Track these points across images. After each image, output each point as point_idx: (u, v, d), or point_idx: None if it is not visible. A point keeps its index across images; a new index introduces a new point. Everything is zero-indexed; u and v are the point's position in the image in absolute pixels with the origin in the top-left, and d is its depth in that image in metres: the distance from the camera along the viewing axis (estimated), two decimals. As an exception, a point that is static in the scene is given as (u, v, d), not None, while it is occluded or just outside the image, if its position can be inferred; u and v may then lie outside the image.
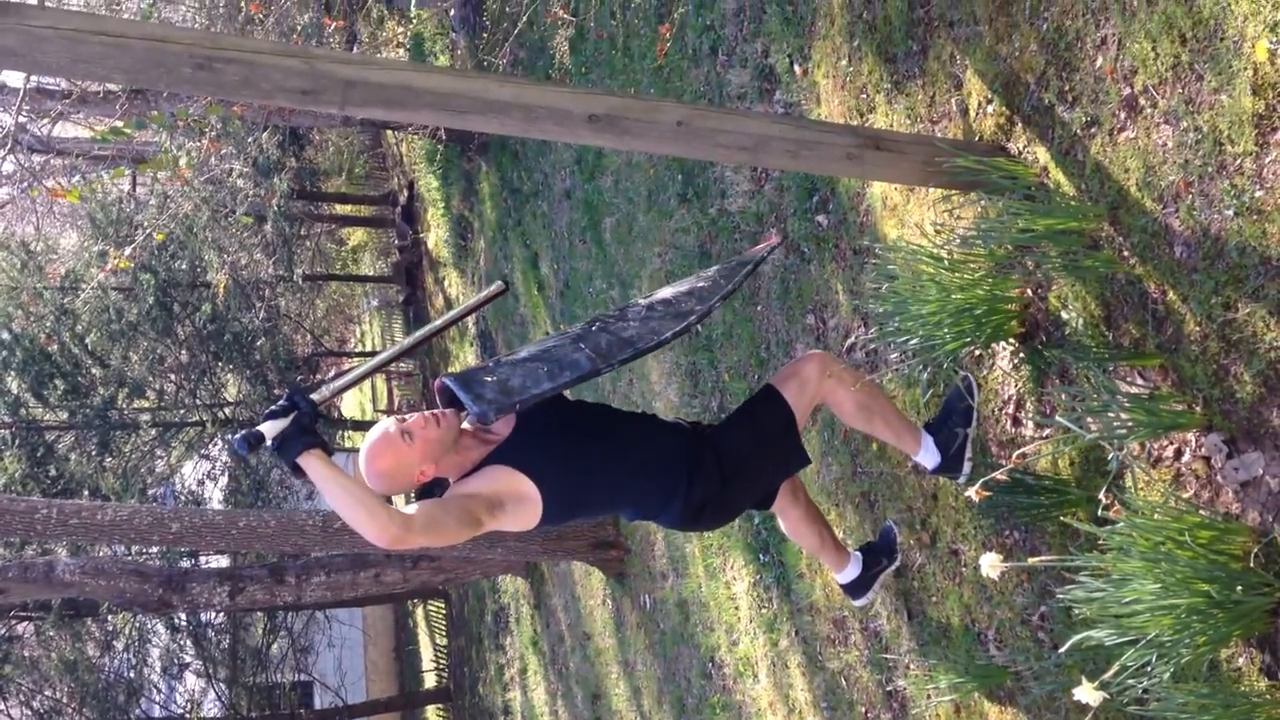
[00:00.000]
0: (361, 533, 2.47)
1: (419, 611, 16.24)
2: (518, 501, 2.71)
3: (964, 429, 3.22)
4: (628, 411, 3.12)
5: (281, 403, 2.50)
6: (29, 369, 11.04)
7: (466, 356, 11.47)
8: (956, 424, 3.23)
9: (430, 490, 2.81)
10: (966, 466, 3.21)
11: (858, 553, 3.59)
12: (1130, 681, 2.23)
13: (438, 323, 2.98)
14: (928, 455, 3.23)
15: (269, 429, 2.46)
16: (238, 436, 2.47)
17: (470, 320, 11.08)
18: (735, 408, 3.23)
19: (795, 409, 3.02)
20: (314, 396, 2.55)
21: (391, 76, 2.58)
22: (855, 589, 3.60)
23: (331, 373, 17.32)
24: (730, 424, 3.09)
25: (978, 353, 3.24)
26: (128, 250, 7.22)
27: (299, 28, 7.52)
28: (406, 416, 2.74)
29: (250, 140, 9.81)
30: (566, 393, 3.01)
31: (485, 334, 10.46)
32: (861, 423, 3.18)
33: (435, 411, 2.78)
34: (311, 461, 2.46)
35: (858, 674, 4.04)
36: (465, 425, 2.84)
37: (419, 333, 2.96)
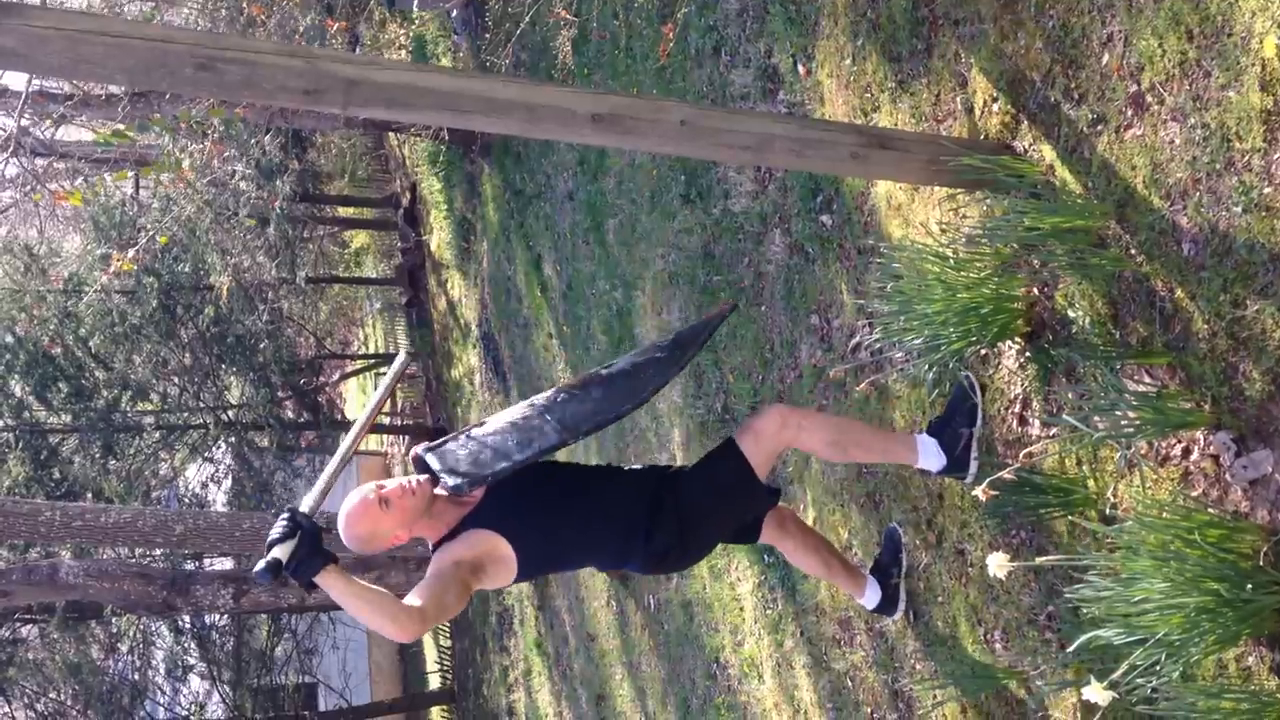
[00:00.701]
0: (386, 636, 2.67)
1: (423, 613, 16.20)
2: (495, 562, 2.90)
3: (968, 428, 3.22)
4: (593, 467, 3.34)
5: (283, 526, 2.61)
6: (33, 372, 11.04)
7: (469, 359, 11.46)
8: (961, 424, 3.23)
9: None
10: (973, 466, 3.22)
11: (871, 576, 3.65)
12: (1139, 681, 2.22)
13: (370, 407, 3.12)
14: (929, 459, 3.25)
15: (282, 553, 2.57)
16: (258, 570, 2.57)
17: (474, 322, 11.08)
18: (698, 459, 3.39)
19: (752, 460, 3.15)
20: (304, 509, 2.67)
21: (394, 76, 2.58)
22: (884, 609, 3.71)
23: (335, 375, 17.32)
24: (690, 474, 3.25)
25: (983, 352, 3.23)
26: (131, 253, 7.20)
27: (301, 29, 7.52)
28: (385, 484, 2.92)
29: (253, 142, 9.81)
30: None
31: (488, 336, 10.45)
32: (838, 457, 3.34)
33: (412, 479, 2.95)
34: (329, 579, 2.60)
35: (863, 675, 4.02)
36: (439, 491, 3.00)
37: (358, 422, 3.08)
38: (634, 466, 3.34)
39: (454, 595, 2.75)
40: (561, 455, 3.26)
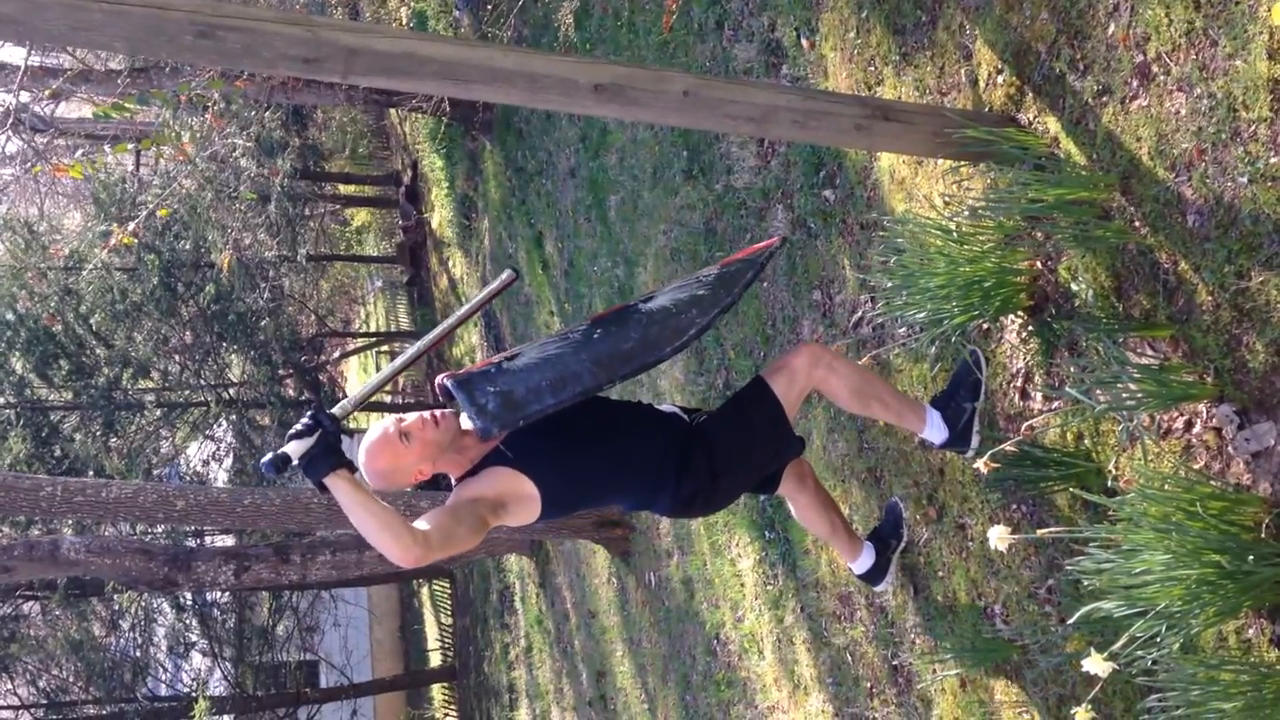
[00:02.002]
0: (385, 554, 2.52)
1: (424, 591, 16.29)
2: (518, 501, 2.78)
3: (971, 403, 3.21)
4: (623, 404, 3.16)
5: (305, 422, 2.52)
6: (34, 349, 11.03)
7: (469, 336, 11.45)
8: (964, 398, 3.22)
9: (435, 484, 2.83)
10: (975, 440, 3.20)
11: (869, 542, 3.63)
12: (1139, 653, 2.22)
13: (451, 320, 2.95)
14: (934, 431, 3.22)
15: (295, 449, 2.49)
16: (265, 460, 2.50)
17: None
18: (725, 400, 3.25)
19: (784, 401, 3.05)
20: (334, 412, 2.57)
21: (395, 45, 2.55)
22: (872, 576, 3.67)
23: (336, 353, 17.31)
24: (719, 417, 3.12)
25: (986, 326, 3.22)
26: (131, 225, 7.18)
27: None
28: (405, 417, 2.78)
29: (253, 115, 9.76)
30: None
31: (489, 314, 10.44)
32: (858, 407, 3.21)
33: (434, 412, 2.82)
34: (338, 482, 2.50)
35: (863, 649, 4.03)
36: (464, 425, 2.87)
37: (434, 332, 2.93)
38: (663, 407, 3.18)
39: (466, 529, 2.64)
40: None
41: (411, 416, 2.78)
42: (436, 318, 13.69)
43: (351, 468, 2.54)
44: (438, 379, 2.91)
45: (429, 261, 14.07)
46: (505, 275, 3.02)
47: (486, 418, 2.70)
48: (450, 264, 12.58)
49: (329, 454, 2.49)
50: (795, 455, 3.25)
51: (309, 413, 2.55)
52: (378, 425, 2.79)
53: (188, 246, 11.37)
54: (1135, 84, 2.61)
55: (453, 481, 2.88)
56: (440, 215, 12.87)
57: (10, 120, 6.53)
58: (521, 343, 9.19)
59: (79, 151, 11.01)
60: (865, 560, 3.64)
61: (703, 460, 3.00)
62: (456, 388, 2.79)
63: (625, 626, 6.80)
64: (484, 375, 2.84)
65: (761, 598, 4.88)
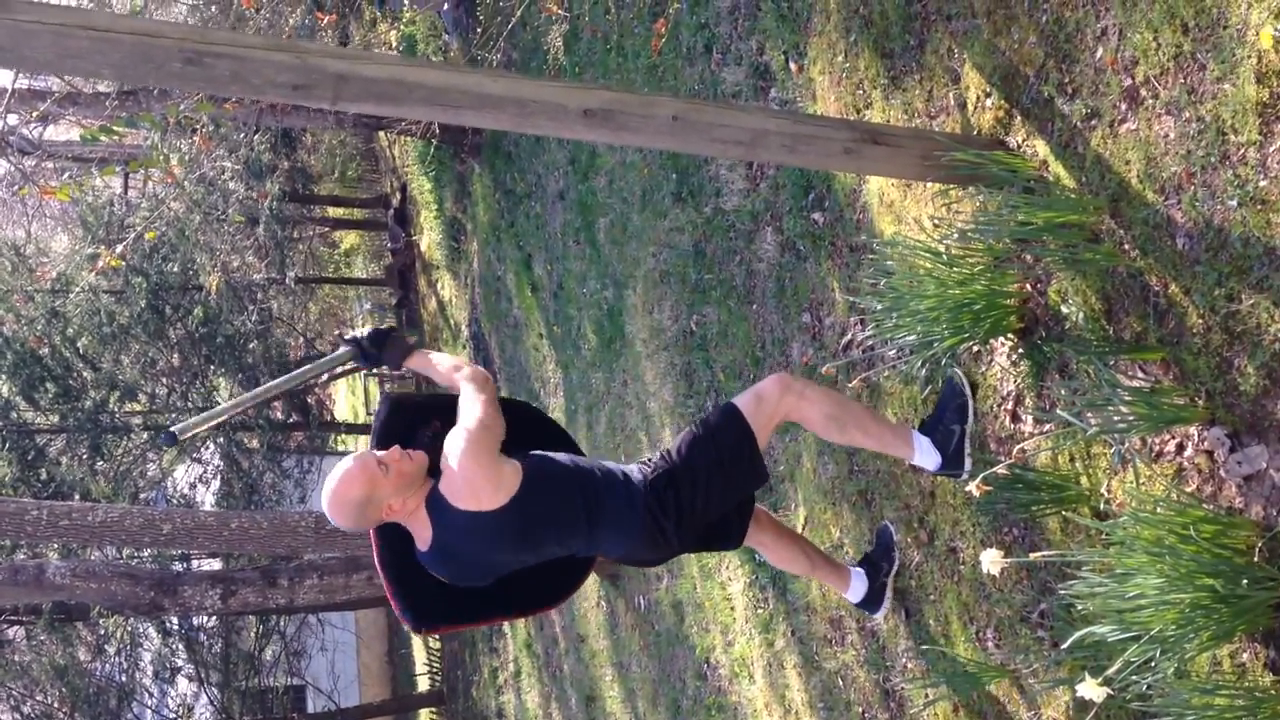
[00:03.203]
0: (477, 415, 2.81)
1: (412, 615, 16.14)
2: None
3: (960, 425, 3.20)
4: (582, 466, 3.08)
5: (348, 346, 2.99)
6: (20, 372, 10.97)
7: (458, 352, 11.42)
8: (951, 421, 3.20)
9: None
10: (968, 463, 3.18)
11: (858, 569, 3.61)
12: (1133, 678, 2.21)
13: (303, 371, 3.19)
14: (925, 457, 3.21)
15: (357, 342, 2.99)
16: (348, 338, 3.04)
17: (464, 322, 11.05)
18: (691, 424, 3.23)
19: (753, 424, 3.01)
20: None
21: (384, 71, 2.55)
22: (868, 604, 3.66)
23: (324, 377, 17.24)
24: (688, 439, 3.07)
25: (976, 349, 3.22)
26: (119, 248, 7.15)
27: (291, 23, 7.48)
28: (379, 452, 2.85)
29: (241, 138, 9.75)
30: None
31: (478, 336, 10.42)
32: (837, 434, 3.16)
33: (409, 450, 2.89)
34: (417, 358, 3.01)
35: (855, 674, 4.01)
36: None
37: (285, 378, 3.16)
38: (617, 467, 3.13)
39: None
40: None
41: (386, 452, 2.84)
42: (425, 340, 13.67)
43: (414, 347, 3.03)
44: (391, 396, 3.16)
45: (418, 284, 14.05)
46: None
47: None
48: (439, 286, 12.57)
49: (394, 344, 3.00)
50: (760, 485, 3.21)
51: (349, 338, 3.02)
52: (353, 456, 2.83)
53: (176, 269, 11.35)
54: (1124, 107, 2.62)
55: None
56: (429, 238, 12.86)
57: (-2, 141, 6.51)
58: (509, 365, 9.17)
59: (66, 174, 10.99)
60: (858, 587, 3.63)
61: (670, 487, 2.96)
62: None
63: (615, 651, 6.75)
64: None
65: (752, 621, 4.85)
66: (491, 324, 9.85)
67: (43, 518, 5.97)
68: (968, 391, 3.21)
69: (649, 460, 3.12)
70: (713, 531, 3.24)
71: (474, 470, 2.74)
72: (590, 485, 2.96)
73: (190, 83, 2.47)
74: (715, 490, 3.03)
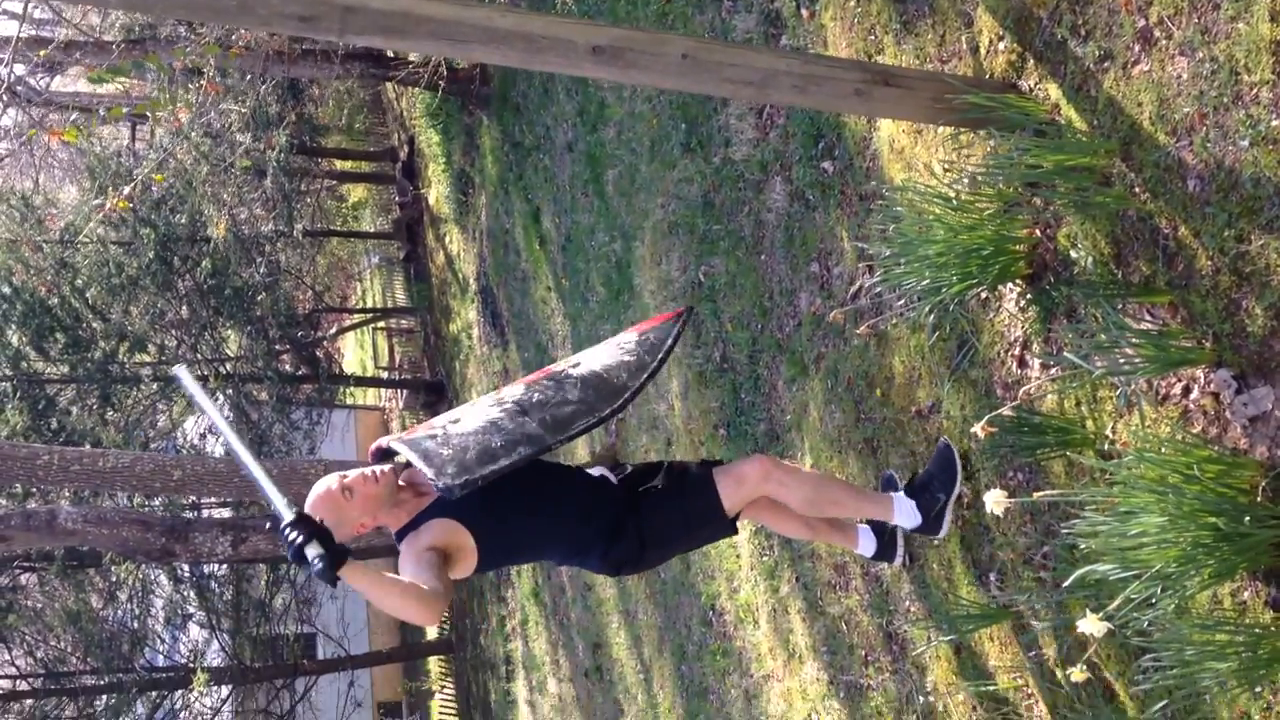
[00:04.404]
0: (413, 620, 2.67)
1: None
2: (458, 550, 2.89)
3: (946, 494, 3.33)
4: (553, 464, 3.25)
5: (299, 530, 2.45)
6: (29, 322, 11.00)
7: (467, 313, 11.44)
8: (939, 490, 3.34)
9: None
10: (945, 529, 3.36)
11: (864, 525, 3.69)
12: (1134, 614, 2.23)
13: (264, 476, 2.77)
14: (906, 517, 3.36)
15: (315, 551, 2.43)
16: (317, 570, 2.44)
17: (472, 276, 11.04)
18: (671, 468, 3.30)
19: (726, 503, 3.18)
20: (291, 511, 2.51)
21: (391, 3, 2.53)
22: (883, 554, 3.67)
23: (333, 329, 17.29)
24: (659, 500, 3.20)
25: (984, 294, 3.21)
26: (126, 190, 7.13)
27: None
28: (348, 474, 2.90)
29: (247, 80, 9.69)
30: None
31: (486, 289, 10.43)
32: (813, 513, 3.36)
33: (375, 469, 2.94)
34: (352, 575, 2.47)
35: (858, 618, 4.05)
36: (400, 481, 3.02)
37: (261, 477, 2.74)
38: (592, 471, 3.27)
39: (446, 574, 2.79)
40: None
41: (353, 473, 2.90)
42: (433, 294, 13.67)
43: (348, 555, 2.49)
44: (379, 442, 3.05)
45: (425, 237, 14.03)
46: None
47: (447, 478, 2.77)
48: (447, 239, 12.55)
49: (337, 550, 2.46)
50: (726, 536, 3.39)
51: (290, 519, 2.47)
52: (321, 483, 2.89)
53: (184, 220, 11.33)
54: (1137, 49, 2.60)
55: (392, 534, 2.99)
56: (437, 191, 12.83)
57: (4, 88, 6.49)
58: (517, 318, 9.18)
59: (74, 118, 10.95)
60: (867, 544, 3.68)
61: (634, 530, 3.12)
62: (411, 451, 2.87)
63: (621, 599, 6.82)
64: (432, 439, 2.94)
65: (757, 569, 4.89)
66: (500, 277, 9.85)
67: (54, 463, 6.02)
68: (958, 464, 3.32)
69: (619, 476, 3.26)
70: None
71: (427, 616, 2.65)
72: (548, 536, 3.14)
73: (196, 13, 2.47)
74: (675, 546, 3.40)
